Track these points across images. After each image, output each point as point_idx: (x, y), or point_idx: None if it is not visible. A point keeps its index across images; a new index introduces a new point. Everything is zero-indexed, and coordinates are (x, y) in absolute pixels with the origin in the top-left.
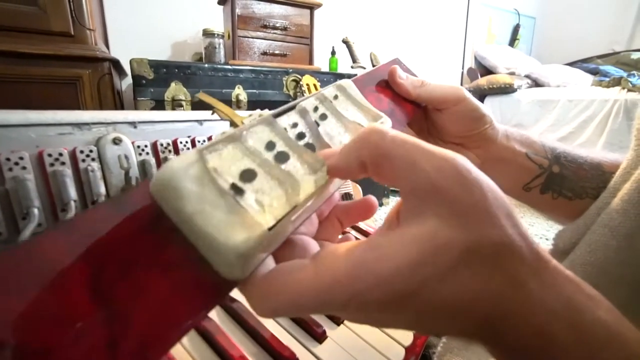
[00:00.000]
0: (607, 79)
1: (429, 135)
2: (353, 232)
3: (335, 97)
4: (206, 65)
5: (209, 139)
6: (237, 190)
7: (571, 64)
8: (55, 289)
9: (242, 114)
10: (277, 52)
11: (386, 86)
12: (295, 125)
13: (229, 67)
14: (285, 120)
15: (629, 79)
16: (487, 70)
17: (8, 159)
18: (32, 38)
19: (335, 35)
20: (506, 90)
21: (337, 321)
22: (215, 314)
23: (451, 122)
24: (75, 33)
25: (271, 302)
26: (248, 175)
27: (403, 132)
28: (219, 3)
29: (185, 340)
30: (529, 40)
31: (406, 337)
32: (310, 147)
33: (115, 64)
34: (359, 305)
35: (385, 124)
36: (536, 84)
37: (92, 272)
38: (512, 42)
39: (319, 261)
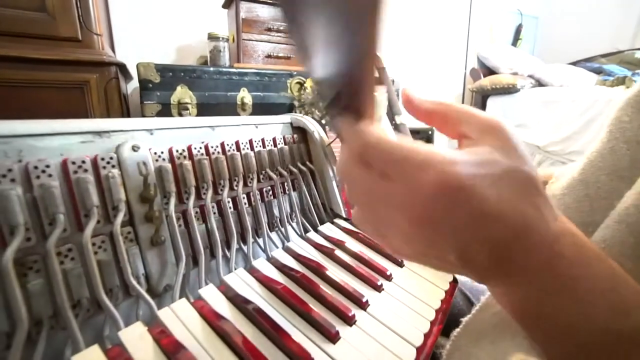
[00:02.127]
0: (611, 78)
1: None
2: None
3: None
4: (211, 69)
5: (222, 144)
6: None
7: (574, 64)
8: None
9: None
10: (281, 54)
11: None
12: None
13: (234, 70)
14: None
15: (634, 78)
16: (490, 71)
17: (36, 167)
18: (40, 43)
19: None
20: (509, 90)
21: (350, 321)
22: (232, 316)
23: None
24: (83, 38)
25: (374, 137)
26: None
27: None
28: (223, 7)
29: (204, 341)
30: (532, 40)
31: (417, 337)
32: None
33: (122, 68)
34: (431, 174)
35: None
36: (539, 84)
37: None
38: (515, 42)
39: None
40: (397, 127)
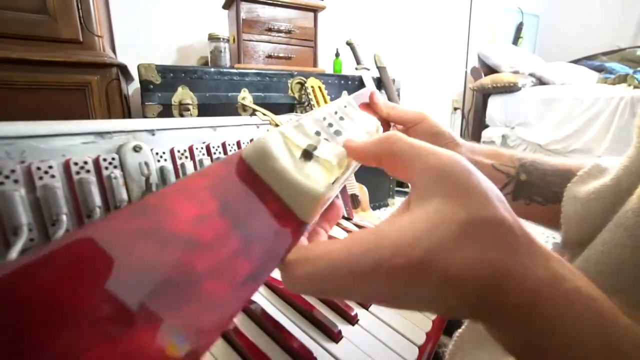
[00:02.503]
0: (613, 76)
1: None
2: None
3: (345, 106)
4: (212, 69)
5: (223, 144)
6: (307, 156)
7: (576, 62)
8: (203, 209)
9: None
10: (281, 55)
11: (366, 107)
12: (325, 118)
13: (235, 70)
14: (319, 114)
15: (635, 76)
16: (490, 69)
17: (39, 168)
18: (42, 45)
19: (339, 37)
20: (510, 89)
21: (353, 320)
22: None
23: (415, 138)
24: (84, 40)
25: (306, 268)
26: (312, 148)
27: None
28: (224, 7)
29: None
30: (533, 39)
31: (419, 336)
32: (338, 133)
33: (123, 69)
34: (385, 273)
35: (380, 129)
36: (540, 82)
37: (221, 204)
38: (516, 40)
39: (350, 237)
40: None
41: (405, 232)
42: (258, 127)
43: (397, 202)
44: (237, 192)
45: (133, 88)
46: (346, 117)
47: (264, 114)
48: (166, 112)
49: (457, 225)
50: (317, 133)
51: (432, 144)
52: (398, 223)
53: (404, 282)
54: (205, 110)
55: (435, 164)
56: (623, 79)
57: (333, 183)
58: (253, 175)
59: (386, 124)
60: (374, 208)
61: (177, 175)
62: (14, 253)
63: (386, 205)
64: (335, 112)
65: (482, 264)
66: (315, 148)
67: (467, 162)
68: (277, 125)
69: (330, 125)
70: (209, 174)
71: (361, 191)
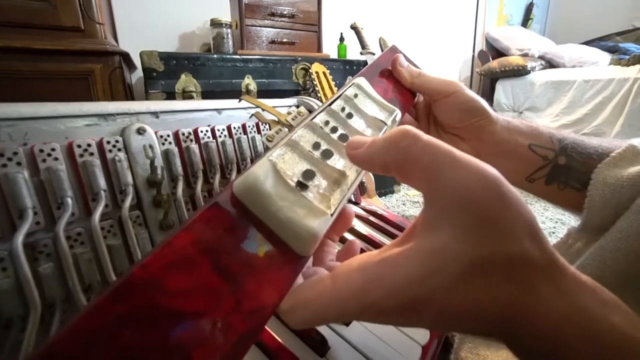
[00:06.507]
0: (627, 57)
1: (433, 124)
2: (372, 218)
3: (355, 95)
4: (215, 56)
5: (228, 127)
6: (302, 187)
7: (588, 43)
8: (192, 272)
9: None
10: (285, 40)
11: (389, 75)
12: (327, 122)
13: (238, 57)
14: (320, 120)
15: None
16: (498, 53)
17: (41, 150)
18: (43, 34)
19: (343, 21)
20: (519, 72)
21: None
22: None
23: (443, 113)
24: (85, 27)
25: (299, 315)
26: (308, 174)
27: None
28: None
29: None
30: (543, 20)
31: (423, 336)
32: (344, 137)
33: (125, 57)
34: (374, 314)
35: (397, 116)
36: (550, 65)
37: (211, 258)
38: (525, 22)
39: (336, 276)
40: None
41: (397, 274)
42: (263, 110)
43: (404, 188)
44: (229, 239)
45: (136, 77)
46: (355, 113)
47: (268, 110)
48: (170, 100)
49: (462, 267)
50: (316, 145)
51: (463, 121)
52: (391, 260)
53: (395, 317)
54: (208, 97)
55: (458, 185)
56: (638, 59)
57: (333, 214)
58: (246, 211)
59: (411, 93)
60: (380, 195)
61: (182, 159)
62: (20, 236)
63: (392, 192)
64: (343, 109)
65: (488, 305)
66: (312, 175)
67: (499, 182)
68: (284, 123)
69: (335, 129)
70: (198, 223)
71: (367, 177)
